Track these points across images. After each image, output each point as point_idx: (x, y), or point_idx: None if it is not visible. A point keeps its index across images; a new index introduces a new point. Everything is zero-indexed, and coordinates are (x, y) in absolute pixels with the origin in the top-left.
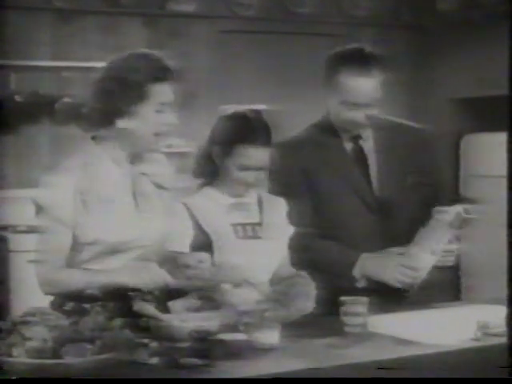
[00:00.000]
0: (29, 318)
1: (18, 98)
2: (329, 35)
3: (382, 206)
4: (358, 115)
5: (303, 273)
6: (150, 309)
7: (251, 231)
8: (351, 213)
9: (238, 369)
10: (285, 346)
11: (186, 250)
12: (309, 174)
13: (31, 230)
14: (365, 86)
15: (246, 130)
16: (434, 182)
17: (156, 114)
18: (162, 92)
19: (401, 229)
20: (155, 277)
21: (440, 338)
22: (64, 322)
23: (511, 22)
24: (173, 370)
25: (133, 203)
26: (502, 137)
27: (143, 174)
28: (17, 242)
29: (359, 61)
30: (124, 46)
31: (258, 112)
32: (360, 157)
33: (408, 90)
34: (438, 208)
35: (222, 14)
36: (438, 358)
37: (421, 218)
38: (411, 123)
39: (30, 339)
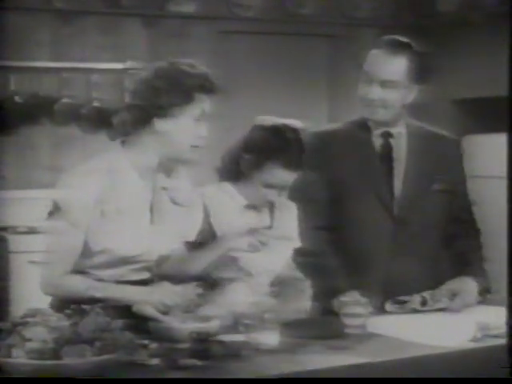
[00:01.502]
0: (29, 319)
1: (17, 99)
2: (329, 36)
3: (400, 208)
4: (372, 89)
5: (299, 274)
6: (149, 310)
7: (260, 236)
8: (367, 210)
9: (237, 370)
10: (284, 346)
11: (192, 238)
12: (333, 166)
13: (31, 230)
14: (386, 62)
15: (281, 150)
16: (458, 191)
17: (195, 123)
18: (205, 102)
19: (417, 233)
20: (166, 299)
21: (440, 339)
22: (64, 323)
23: (511, 23)
24: (172, 370)
25: (148, 217)
26: (503, 138)
27: (164, 188)
28: (17, 242)
29: (391, 43)
30: (124, 46)
31: (296, 132)
32: (387, 154)
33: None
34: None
35: (222, 14)
36: (437, 358)
37: (438, 226)
38: (446, 133)
39: (29, 340)
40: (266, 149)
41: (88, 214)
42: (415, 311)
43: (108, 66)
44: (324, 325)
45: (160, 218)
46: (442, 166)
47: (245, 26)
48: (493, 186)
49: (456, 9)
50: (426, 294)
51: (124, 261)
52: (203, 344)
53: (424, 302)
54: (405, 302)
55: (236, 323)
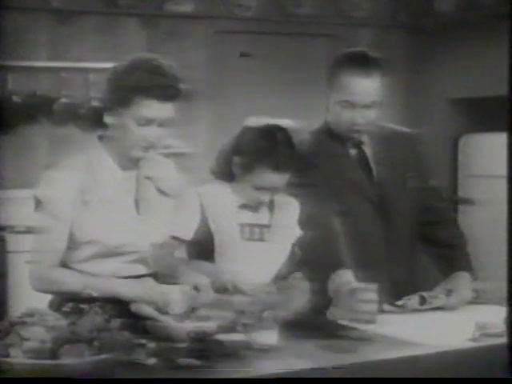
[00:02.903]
0: (27, 319)
1: (15, 99)
2: (327, 36)
3: (385, 211)
4: (356, 115)
5: (298, 274)
6: (147, 309)
7: (258, 233)
8: (360, 217)
9: (236, 369)
10: (283, 346)
11: (189, 238)
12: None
13: (29, 230)
14: (365, 86)
15: (270, 152)
16: (431, 185)
17: (138, 128)
18: (149, 108)
19: (402, 231)
20: (151, 292)
21: (439, 338)
22: (62, 322)
23: (511, 24)
24: (171, 370)
25: (134, 207)
26: (500, 137)
27: (148, 177)
28: (15, 242)
29: (362, 62)
30: (122, 46)
31: (286, 133)
32: (364, 162)
33: (406, 90)
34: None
35: (220, 14)
36: (437, 358)
37: (421, 221)
38: (405, 129)
39: (27, 340)
40: (255, 151)
41: (69, 206)
42: (413, 311)
43: (106, 65)
44: (323, 324)
45: (147, 207)
46: (408, 163)
47: (243, 25)
48: (489, 186)
49: (453, 8)
50: (424, 293)
51: (112, 252)
52: (201, 343)
53: (423, 301)
54: (403, 302)
55: (234, 323)
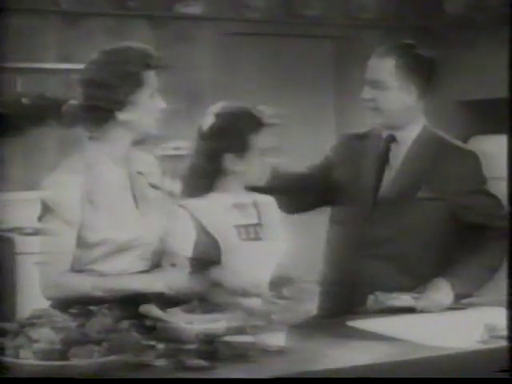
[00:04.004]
0: (36, 320)
1: (24, 101)
2: (335, 37)
3: (378, 211)
4: (365, 91)
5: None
6: (156, 310)
7: (253, 233)
8: (348, 210)
9: (244, 371)
10: (291, 347)
11: (189, 253)
12: (339, 166)
13: (38, 232)
14: (376, 64)
15: (242, 135)
16: (453, 201)
17: (151, 100)
18: (153, 78)
19: (392, 237)
20: (170, 283)
21: (447, 340)
22: (71, 323)
23: (511, 26)
24: (179, 371)
25: (133, 202)
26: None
27: (140, 173)
28: (23, 244)
29: (387, 46)
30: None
31: (255, 116)
32: (383, 158)
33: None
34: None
35: (228, 16)
36: (439, 360)
37: (418, 232)
38: (463, 145)
39: (37, 341)
40: (228, 134)
41: (78, 210)
42: (374, 311)
43: None
44: (328, 326)
45: (143, 202)
46: (438, 174)
47: (251, 27)
48: (498, 187)
49: (462, 10)
50: (379, 293)
51: (122, 248)
52: (210, 345)
53: (376, 300)
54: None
55: (243, 324)
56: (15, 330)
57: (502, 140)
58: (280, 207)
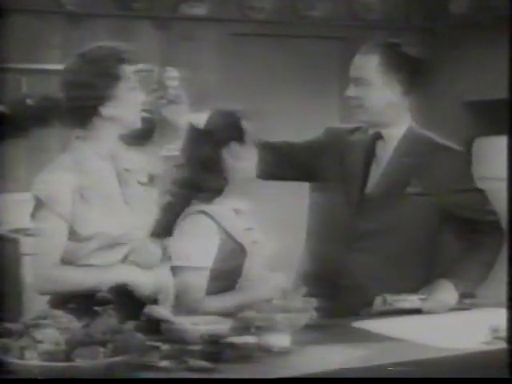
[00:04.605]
0: (40, 321)
1: (29, 102)
2: (340, 38)
3: (364, 207)
4: (349, 89)
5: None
6: (161, 311)
7: (256, 236)
8: (334, 206)
9: (248, 372)
10: (296, 348)
11: (210, 264)
12: (324, 161)
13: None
14: (358, 61)
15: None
16: (443, 198)
17: (132, 93)
18: (129, 72)
19: (380, 233)
20: (158, 280)
21: (452, 341)
22: (75, 324)
23: (511, 28)
24: (184, 372)
25: (122, 199)
26: None
27: (127, 170)
28: (28, 245)
29: (370, 43)
30: (135, 49)
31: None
32: (369, 155)
33: (420, 93)
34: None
35: (233, 17)
36: (440, 361)
37: (409, 228)
38: (452, 144)
39: (41, 342)
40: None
41: (70, 204)
42: (382, 312)
43: None
44: (332, 327)
45: (132, 198)
46: (427, 172)
47: (256, 28)
48: (503, 188)
49: (468, 10)
50: (387, 295)
51: (115, 242)
52: (215, 346)
53: (384, 302)
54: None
55: (248, 325)
56: (20, 330)
57: (506, 141)
58: (256, 172)
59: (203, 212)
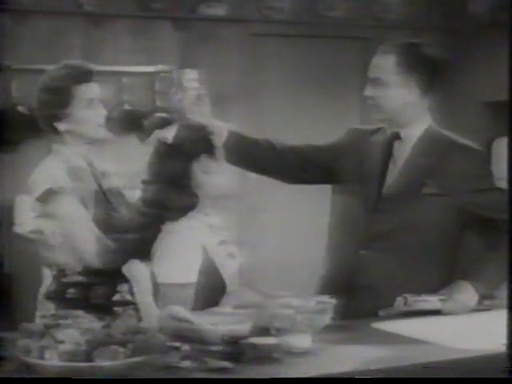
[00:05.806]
0: (61, 321)
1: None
2: (359, 38)
3: (382, 208)
4: (366, 89)
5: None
6: (181, 312)
7: (229, 249)
8: (352, 206)
9: (268, 372)
10: (316, 349)
11: (194, 279)
12: (344, 161)
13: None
14: (375, 62)
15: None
16: (461, 199)
17: (88, 110)
18: (86, 91)
19: (396, 233)
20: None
21: (473, 342)
22: (96, 324)
23: (510, 29)
24: (204, 373)
25: (104, 198)
26: None
27: (103, 174)
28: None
29: (386, 44)
30: (155, 49)
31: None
32: (387, 153)
33: (440, 93)
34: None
35: (253, 17)
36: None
37: (425, 228)
38: (471, 143)
39: (62, 342)
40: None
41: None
42: (402, 313)
43: (139, 69)
44: (352, 328)
45: (113, 198)
46: (445, 171)
47: (275, 28)
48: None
49: (487, 10)
50: (409, 295)
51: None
52: (235, 346)
53: (405, 303)
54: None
55: (268, 326)
56: (41, 331)
57: None
58: (280, 177)
59: (179, 229)
